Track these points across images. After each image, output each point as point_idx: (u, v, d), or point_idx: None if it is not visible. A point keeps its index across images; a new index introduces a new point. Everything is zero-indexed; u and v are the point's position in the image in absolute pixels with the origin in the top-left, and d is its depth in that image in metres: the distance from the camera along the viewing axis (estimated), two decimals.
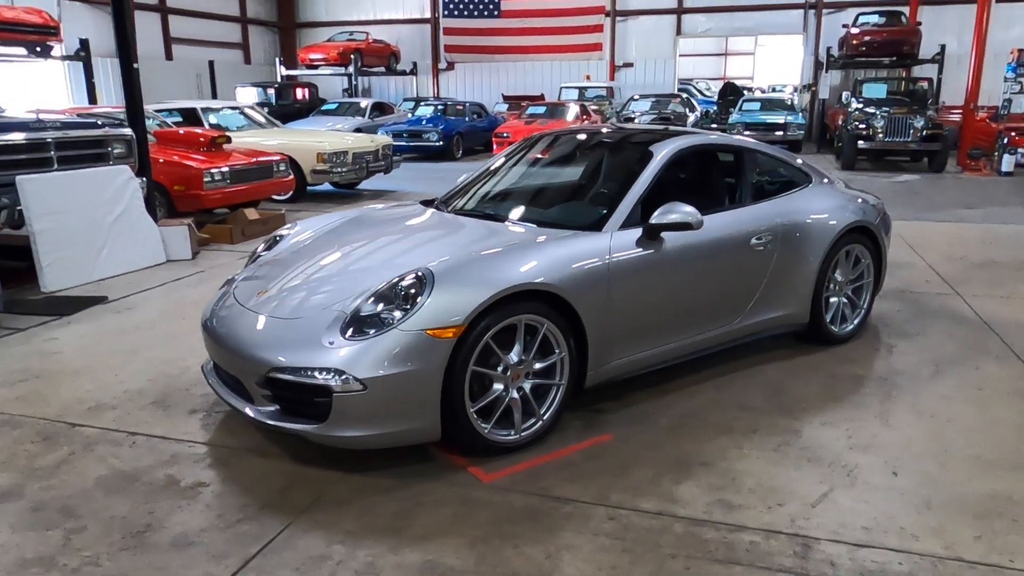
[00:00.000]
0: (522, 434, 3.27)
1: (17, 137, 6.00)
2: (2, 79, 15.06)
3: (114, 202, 6.55)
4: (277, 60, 23.63)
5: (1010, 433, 3.47)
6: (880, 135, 14.59)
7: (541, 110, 17.98)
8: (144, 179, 7.07)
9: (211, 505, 2.90)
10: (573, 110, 17.74)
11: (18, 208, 5.89)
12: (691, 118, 16.76)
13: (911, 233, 8.23)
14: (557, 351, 3.32)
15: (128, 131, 7.03)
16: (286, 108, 20.32)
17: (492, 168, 4.61)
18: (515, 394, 3.23)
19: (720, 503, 2.89)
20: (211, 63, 22.71)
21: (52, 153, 6.26)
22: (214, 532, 2.72)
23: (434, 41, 25.92)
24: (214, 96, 22.47)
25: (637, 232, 3.61)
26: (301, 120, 18.68)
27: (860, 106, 15.76)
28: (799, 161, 4.74)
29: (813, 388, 3.99)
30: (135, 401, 3.87)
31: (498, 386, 3.17)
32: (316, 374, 2.90)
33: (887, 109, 14.97)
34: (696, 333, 3.93)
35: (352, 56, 21.36)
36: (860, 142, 14.74)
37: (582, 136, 4.47)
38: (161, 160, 8.39)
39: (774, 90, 32.30)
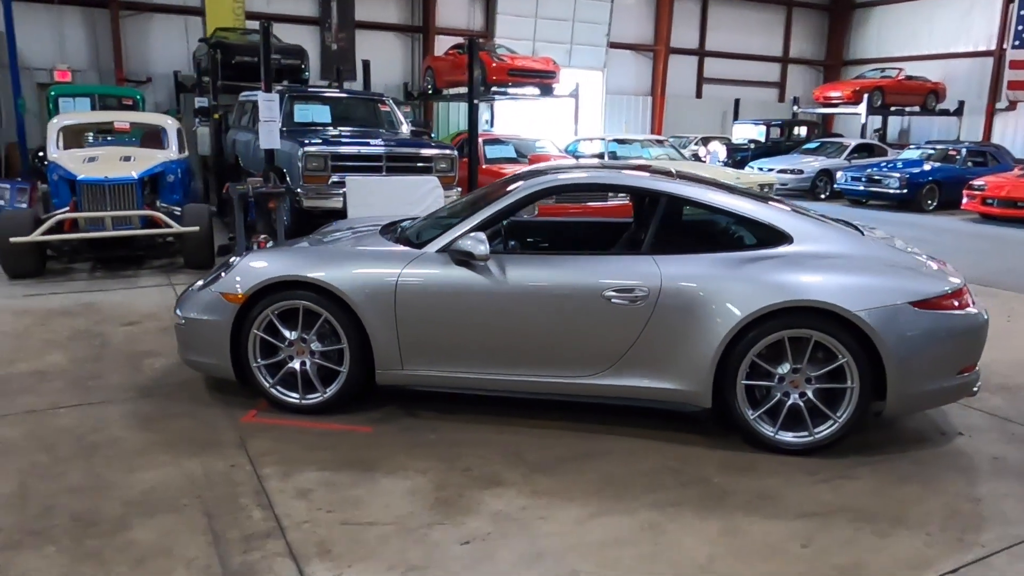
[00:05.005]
0: (303, 401, 3.98)
1: (355, 151, 8.61)
2: (520, 114, 20.37)
3: (417, 203, 8.66)
4: (792, 98, 23.59)
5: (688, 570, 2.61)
6: None
7: None
8: (457, 188, 9.08)
9: (134, 376, 4.51)
10: None
11: None
12: None
13: None
14: (342, 342, 3.89)
15: (451, 151, 9.11)
16: (779, 144, 20.45)
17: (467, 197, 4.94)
18: (297, 366, 3.96)
19: (307, 494, 3.19)
20: (736, 100, 24.10)
21: (383, 163, 8.70)
22: (108, 389, 4.32)
23: (995, 76, 22.09)
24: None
25: (446, 257, 3.81)
26: (777, 157, 18.74)
27: None
28: (777, 218, 3.79)
29: (621, 473, 3.44)
30: None
31: (282, 355, 3.96)
32: (177, 308, 4.23)
33: None
34: (523, 373, 3.81)
35: (866, 95, 20.00)
36: None
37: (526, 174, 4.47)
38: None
39: None
